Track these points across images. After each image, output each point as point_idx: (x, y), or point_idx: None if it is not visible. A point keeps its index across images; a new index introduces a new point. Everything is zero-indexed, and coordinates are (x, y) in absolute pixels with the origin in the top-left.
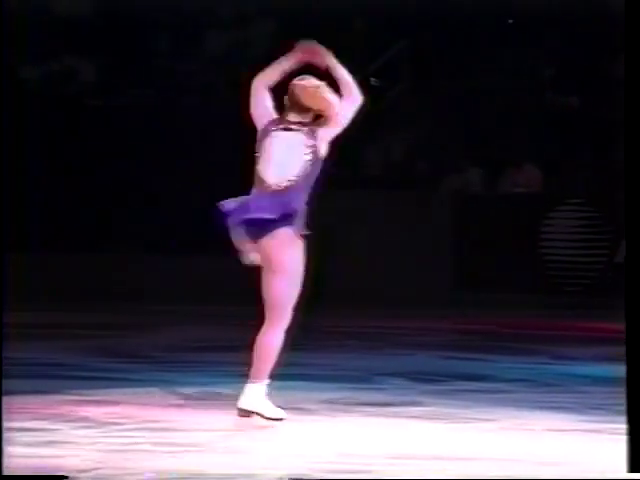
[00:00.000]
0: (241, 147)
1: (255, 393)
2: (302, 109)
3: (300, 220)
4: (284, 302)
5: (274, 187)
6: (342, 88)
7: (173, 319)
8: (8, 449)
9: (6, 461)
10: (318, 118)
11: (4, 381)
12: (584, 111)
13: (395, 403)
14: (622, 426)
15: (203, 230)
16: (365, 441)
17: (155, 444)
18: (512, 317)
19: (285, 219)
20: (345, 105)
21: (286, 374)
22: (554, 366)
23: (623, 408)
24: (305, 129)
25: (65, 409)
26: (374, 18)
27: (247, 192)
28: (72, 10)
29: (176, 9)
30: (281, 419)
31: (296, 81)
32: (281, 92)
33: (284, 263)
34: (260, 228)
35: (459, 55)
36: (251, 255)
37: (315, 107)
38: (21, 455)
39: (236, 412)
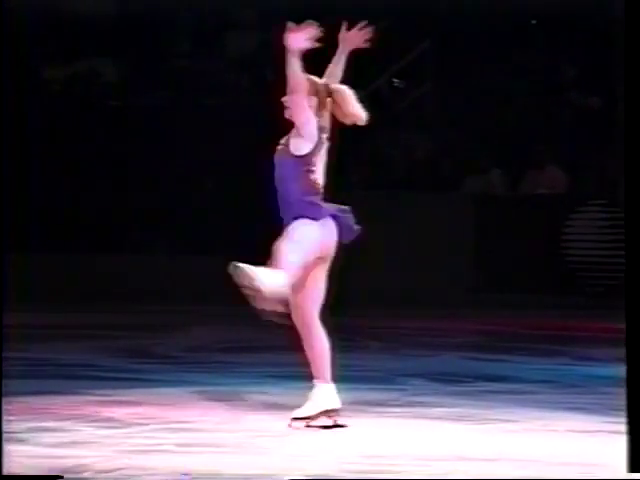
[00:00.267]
0: (263, 148)
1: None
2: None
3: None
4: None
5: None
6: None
7: (189, 319)
8: (29, 449)
9: (27, 461)
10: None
11: (27, 382)
12: (607, 111)
13: (417, 404)
14: None
15: (214, 231)
16: (388, 442)
17: (179, 445)
18: (534, 318)
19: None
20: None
21: (309, 375)
22: (576, 367)
23: None
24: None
25: (89, 409)
26: (397, 19)
27: (268, 193)
28: (95, 11)
29: (198, 10)
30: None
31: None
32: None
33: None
34: None
35: (481, 56)
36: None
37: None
38: (43, 455)
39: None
